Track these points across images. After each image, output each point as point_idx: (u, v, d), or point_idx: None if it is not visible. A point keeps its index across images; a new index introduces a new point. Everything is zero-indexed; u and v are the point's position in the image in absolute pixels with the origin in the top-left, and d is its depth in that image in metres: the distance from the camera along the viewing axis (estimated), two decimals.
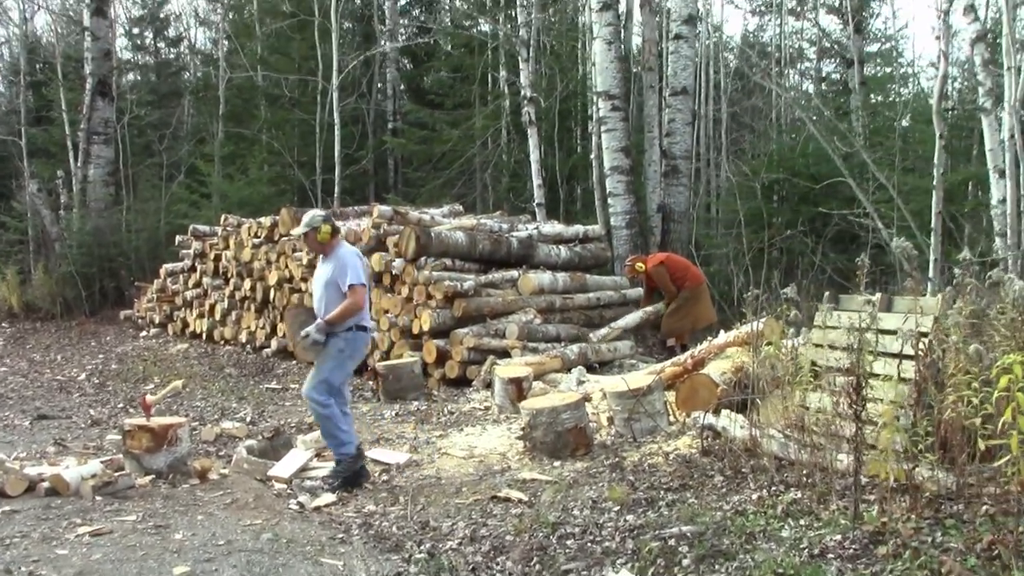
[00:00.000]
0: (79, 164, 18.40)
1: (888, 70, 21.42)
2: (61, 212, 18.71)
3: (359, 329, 6.31)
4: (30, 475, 6.02)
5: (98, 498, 5.78)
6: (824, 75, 25.52)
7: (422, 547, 5.01)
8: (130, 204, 18.61)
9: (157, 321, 14.80)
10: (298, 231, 6.52)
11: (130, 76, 24.50)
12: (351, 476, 6.28)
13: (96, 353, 13.45)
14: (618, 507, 5.28)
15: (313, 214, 6.52)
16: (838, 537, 4.35)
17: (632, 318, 11.43)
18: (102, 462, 6.37)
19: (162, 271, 14.93)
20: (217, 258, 13.57)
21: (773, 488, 5.25)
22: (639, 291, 12.23)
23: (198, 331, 13.65)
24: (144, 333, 14.66)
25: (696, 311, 11.42)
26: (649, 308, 11.66)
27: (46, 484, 5.92)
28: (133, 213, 18.26)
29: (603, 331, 11.12)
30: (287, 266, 12.02)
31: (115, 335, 14.84)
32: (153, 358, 12.54)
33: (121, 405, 9.65)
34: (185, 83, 24.80)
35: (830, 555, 4.19)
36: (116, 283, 17.13)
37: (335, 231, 6.48)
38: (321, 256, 6.58)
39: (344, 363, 6.32)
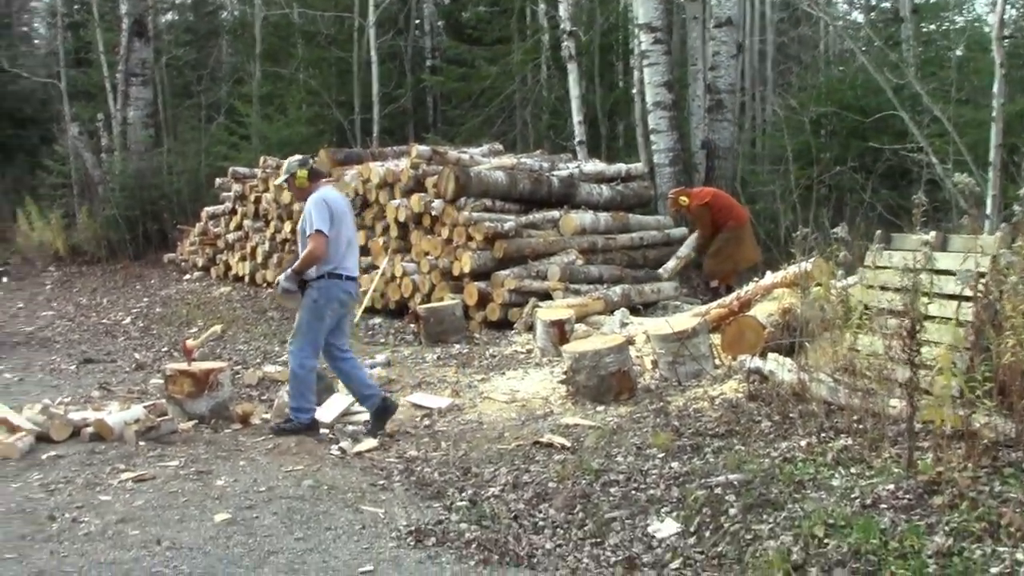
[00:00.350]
0: (118, 106, 18.42)
1: None
2: (103, 155, 18.80)
3: (332, 277, 6.10)
4: (75, 420, 6.09)
5: (141, 443, 5.83)
6: (874, 3, 24.75)
7: (463, 494, 4.98)
8: (170, 146, 18.62)
9: (200, 264, 14.88)
10: (278, 181, 6.48)
11: (167, 16, 24.38)
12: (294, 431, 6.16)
13: (141, 296, 13.59)
14: (663, 454, 5.20)
15: (290, 161, 6.47)
16: (891, 486, 4.22)
17: (691, 243, 11.29)
18: (145, 407, 6.42)
19: (203, 214, 14.97)
20: (257, 200, 13.57)
21: (823, 434, 5.13)
22: (683, 231, 12.01)
23: (240, 274, 13.71)
24: (187, 276, 14.76)
25: (740, 251, 11.13)
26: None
27: (90, 429, 5.98)
28: (173, 155, 18.27)
29: (671, 263, 11.10)
30: None
31: (159, 278, 14.97)
32: (196, 301, 12.62)
33: (165, 349, 9.74)
34: (222, 22, 24.65)
35: (883, 505, 4.07)
36: (159, 226, 17.22)
37: (313, 175, 6.34)
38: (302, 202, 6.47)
39: (320, 312, 6.10)
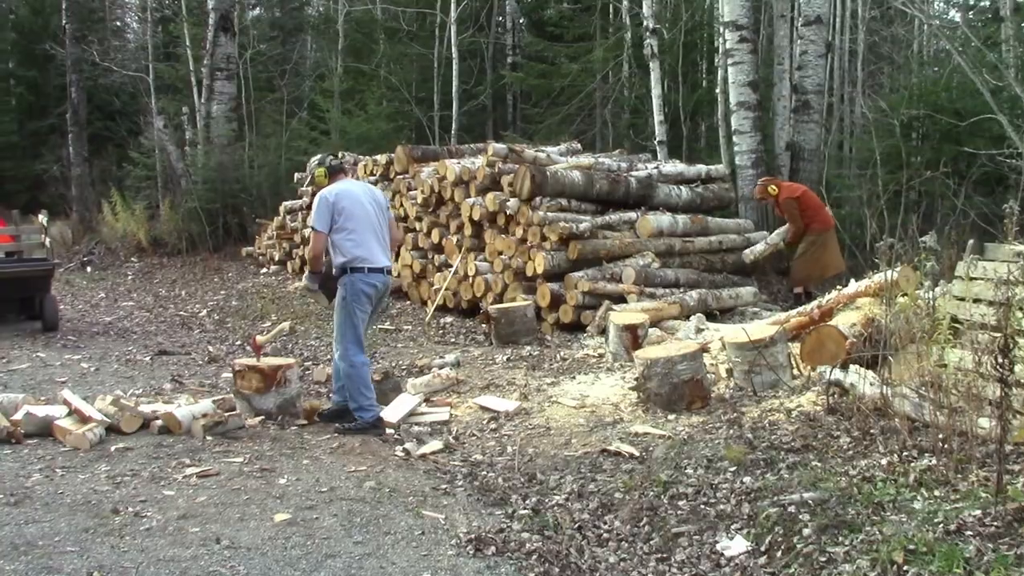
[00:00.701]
0: (203, 100, 18.78)
1: None
2: (186, 148, 19.20)
3: (355, 271, 6.15)
4: (144, 412, 6.17)
5: (208, 438, 5.87)
6: (972, 2, 23.95)
7: (527, 501, 4.90)
8: (252, 140, 18.92)
9: (276, 258, 15.08)
10: (305, 184, 6.62)
11: (253, 11, 24.81)
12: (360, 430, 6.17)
13: (218, 289, 13.81)
14: (734, 467, 5.04)
15: (311, 161, 6.59)
16: (978, 512, 4.00)
17: (782, 232, 11.14)
18: (214, 401, 6.47)
19: (282, 208, 15.15)
20: None
21: (905, 453, 4.91)
22: (764, 234, 11.76)
23: None
24: (264, 270, 14.97)
25: (825, 257, 10.92)
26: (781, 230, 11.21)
27: (159, 422, 6.05)
28: (255, 149, 18.57)
29: (759, 247, 11.09)
30: (402, 204, 12.02)
31: (237, 271, 15.20)
32: (271, 295, 12.78)
33: (239, 342, 9.86)
34: (306, 17, 24.99)
35: (968, 532, 3.86)
36: (239, 219, 17.49)
37: (332, 173, 6.47)
38: None
39: (350, 309, 6.17)
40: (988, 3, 22.20)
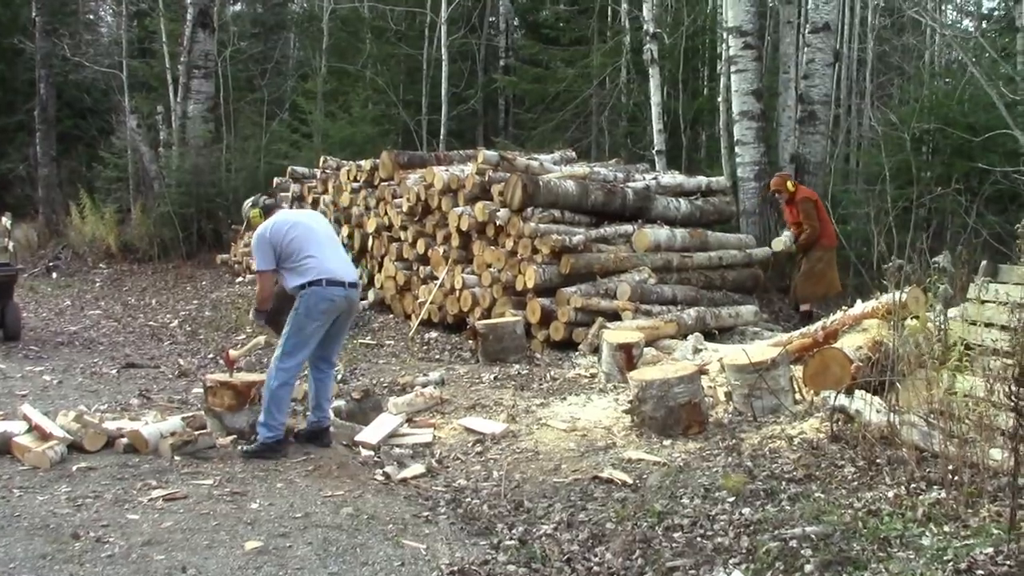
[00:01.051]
0: (179, 99, 18.73)
1: None
2: (160, 149, 19.14)
3: (312, 285, 6.06)
4: (109, 430, 6.11)
5: (176, 458, 5.82)
6: (986, 11, 24.10)
7: (513, 531, 4.85)
8: (229, 142, 18.90)
9: (253, 267, 15.00)
10: (244, 229, 6.65)
11: (233, 7, 24.81)
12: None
13: (191, 298, 13.75)
14: (733, 497, 5.01)
15: (245, 204, 6.74)
16: (989, 550, 3.98)
17: (791, 235, 11.20)
18: (184, 419, 6.41)
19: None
20: (315, 202, 13.67)
21: (913, 485, 4.89)
22: (765, 250, 11.77)
23: None
24: (240, 279, 14.91)
25: (830, 275, 11.02)
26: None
27: (125, 440, 5.99)
28: (232, 152, 18.55)
29: (781, 240, 11.16)
30: (386, 213, 12.01)
31: (211, 280, 15.14)
32: (247, 306, 12.69)
33: (211, 355, 9.81)
34: (289, 14, 25.00)
35: (979, 571, 3.84)
36: (214, 225, 17.43)
37: (268, 210, 6.49)
38: None
39: (301, 323, 6.06)
40: (1003, 12, 22.33)
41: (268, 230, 6.18)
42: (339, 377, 8.57)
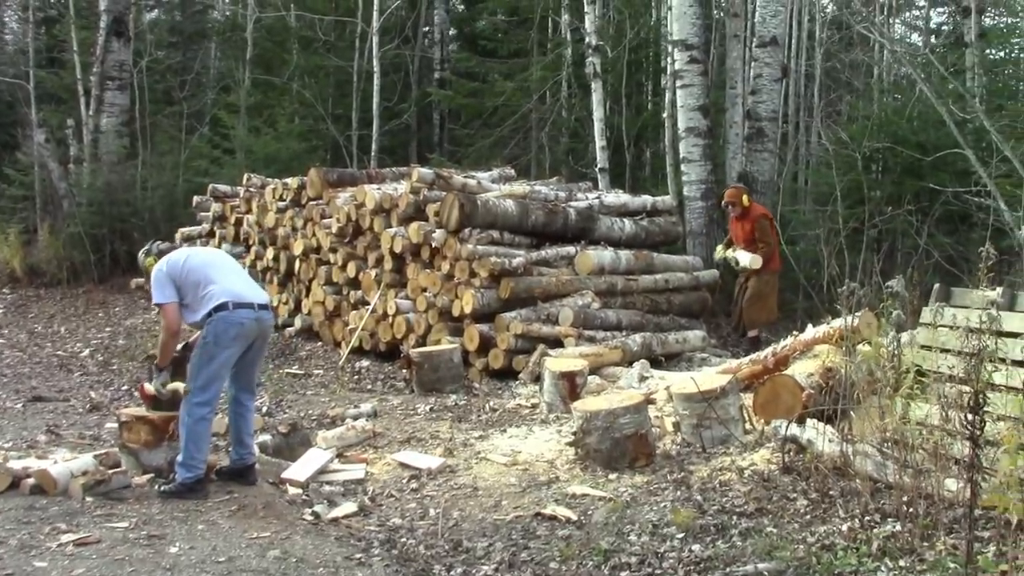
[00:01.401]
0: (91, 112, 18.43)
1: (1013, 20, 20.66)
2: (70, 166, 18.79)
3: (219, 311, 5.94)
4: (14, 469, 5.96)
5: (88, 499, 5.69)
6: (934, 26, 24.75)
7: (452, 572, 4.85)
8: (145, 158, 18.61)
9: None
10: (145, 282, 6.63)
11: (150, 14, 24.55)
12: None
13: (103, 326, 13.52)
14: (682, 534, 5.05)
15: (139, 255, 6.76)
16: None
17: (744, 258, 11.10)
18: (96, 456, 6.28)
19: (178, 235, 14.89)
20: (238, 222, 13.54)
21: (867, 518, 4.98)
22: (713, 273, 11.91)
23: None
24: None
25: (773, 300, 11.16)
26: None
27: (32, 480, 5.85)
28: (149, 168, 18.26)
29: (748, 256, 11.00)
30: (314, 234, 11.92)
31: (125, 306, 14.90)
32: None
33: (126, 387, 9.67)
34: (210, 23, 24.80)
35: None
36: (129, 247, 17.09)
37: (162, 253, 6.43)
38: None
39: (210, 352, 5.94)
40: (951, 28, 22.97)
41: (164, 265, 6.09)
42: (264, 410, 8.49)
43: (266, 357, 11.12)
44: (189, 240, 14.36)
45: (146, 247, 6.71)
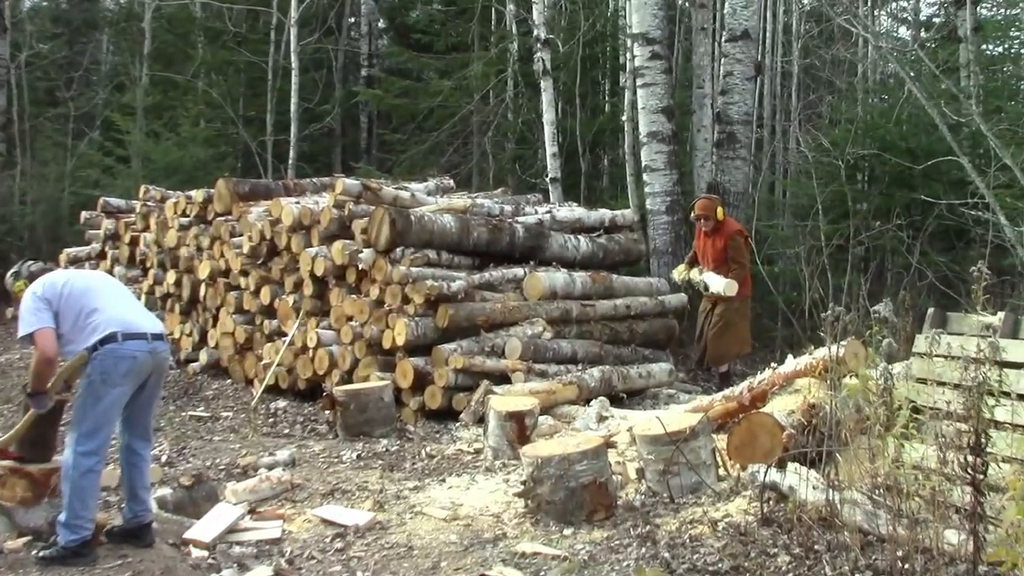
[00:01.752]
0: None
1: (1012, 12, 21.14)
2: None
3: (105, 343, 5.86)
4: None
5: None
6: (924, 19, 25.21)
7: None
8: (25, 167, 18.45)
9: None
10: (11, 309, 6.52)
11: (30, 1, 24.35)
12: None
13: None
14: None
15: (7, 277, 6.61)
16: None
17: (718, 283, 10.86)
18: None
19: (63, 256, 14.73)
20: (134, 241, 13.40)
21: (857, 575, 5.00)
22: (681, 297, 11.94)
23: None
24: None
25: (745, 330, 11.07)
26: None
27: None
28: (28, 179, 18.12)
29: (723, 281, 10.72)
30: (223, 255, 11.83)
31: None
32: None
33: None
34: (101, 12, 24.65)
35: None
36: (4, 269, 16.90)
37: (35, 276, 6.28)
38: None
39: (97, 392, 5.86)
40: (943, 20, 23.39)
41: (38, 288, 5.96)
42: (163, 459, 8.39)
43: (165, 397, 11.04)
44: (76, 263, 14.19)
45: (15, 268, 6.53)
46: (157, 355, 6.08)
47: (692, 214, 11.55)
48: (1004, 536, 4.61)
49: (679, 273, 11.45)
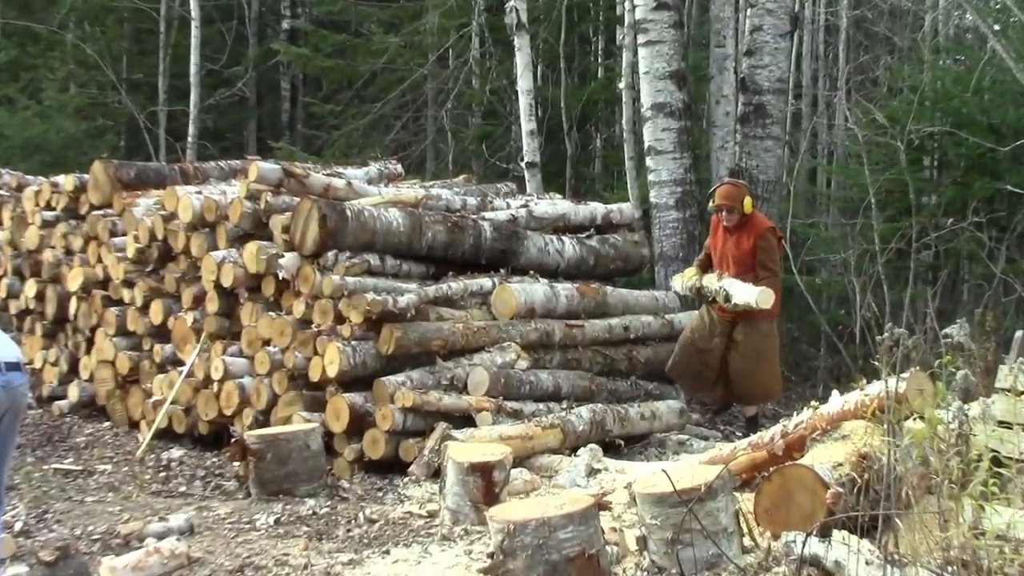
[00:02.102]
0: None
1: None
2: None
3: None
4: None
5: None
6: None
7: None
8: None
9: None
10: None
11: None
12: None
13: None
14: None
15: None
16: None
17: (747, 292, 10.45)
18: None
19: None
20: None
21: None
22: (693, 315, 11.92)
23: None
24: None
25: (775, 363, 10.85)
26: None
27: None
28: None
29: (756, 290, 10.24)
30: (100, 259, 11.78)
31: None
32: None
33: None
34: None
35: None
36: None
37: None
38: None
39: None
40: None
41: None
42: (17, 526, 8.34)
43: (21, 445, 10.98)
44: None
45: None
46: (12, 390, 6.03)
47: (710, 204, 11.19)
48: None
49: (685, 279, 11.17)
